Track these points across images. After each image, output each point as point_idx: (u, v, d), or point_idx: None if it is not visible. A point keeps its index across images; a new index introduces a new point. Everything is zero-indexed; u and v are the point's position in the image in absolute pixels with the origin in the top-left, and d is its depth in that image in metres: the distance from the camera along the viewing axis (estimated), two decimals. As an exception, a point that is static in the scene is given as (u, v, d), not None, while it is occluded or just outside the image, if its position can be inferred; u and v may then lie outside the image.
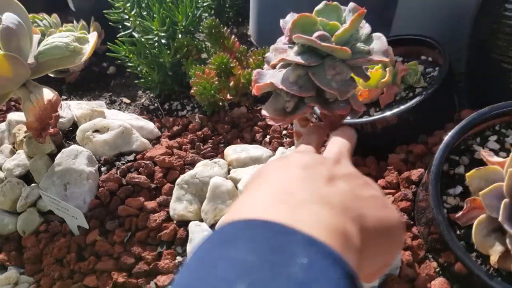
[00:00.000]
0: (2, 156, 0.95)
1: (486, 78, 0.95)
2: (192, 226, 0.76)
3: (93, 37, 0.87)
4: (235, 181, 0.80)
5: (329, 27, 0.60)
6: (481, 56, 0.95)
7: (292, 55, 0.60)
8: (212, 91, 0.95)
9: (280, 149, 0.90)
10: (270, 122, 0.99)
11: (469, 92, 1.04)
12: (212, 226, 0.77)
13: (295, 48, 0.61)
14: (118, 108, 1.21)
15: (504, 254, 0.63)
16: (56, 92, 0.85)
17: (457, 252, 0.65)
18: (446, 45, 0.97)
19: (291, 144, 0.97)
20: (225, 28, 1.14)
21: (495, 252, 0.63)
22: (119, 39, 1.13)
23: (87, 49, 0.84)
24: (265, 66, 0.68)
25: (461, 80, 1.03)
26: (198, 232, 0.75)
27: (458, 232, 0.68)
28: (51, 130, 0.80)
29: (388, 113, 0.89)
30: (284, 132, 1.01)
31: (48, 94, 0.84)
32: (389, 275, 0.69)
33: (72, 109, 1.01)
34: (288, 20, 0.64)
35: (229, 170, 0.85)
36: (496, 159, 0.68)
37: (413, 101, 0.88)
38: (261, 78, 0.67)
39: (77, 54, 0.84)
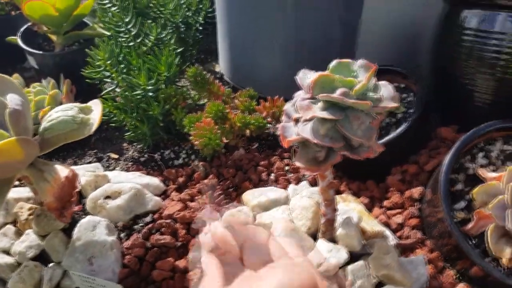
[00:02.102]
0: (7, 239, 0.90)
1: (451, 98, 1.09)
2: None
3: (97, 106, 0.87)
4: (265, 227, 0.84)
5: (346, 83, 0.67)
6: (445, 79, 1.09)
7: (319, 112, 0.67)
8: (218, 140, 0.99)
9: (291, 187, 0.96)
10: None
11: (439, 111, 1.19)
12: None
13: (319, 104, 0.68)
14: (107, 164, 1.19)
15: (514, 256, 0.74)
16: (71, 167, 0.83)
17: (474, 259, 0.76)
18: (414, 73, 1.10)
19: (297, 179, 1.03)
20: (209, 74, 1.18)
21: (506, 254, 0.75)
22: (103, 96, 1.12)
23: (95, 119, 0.84)
24: (285, 118, 0.75)
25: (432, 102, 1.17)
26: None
27: (471, 243, 0.79)
28: (76, 208, 0.79)
29: (382, 140, 0.99)
30: (287, 167, 1.07)
31: (62, 170, 0.82)
32: (420, 289, 0.78)
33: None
34: (303, 78, 0.71)
35: (254, 216, 0.89)
36: (491, 174, 0.80)
37: (402, 127, 0.99)
38: (287, 132, 0.73)
39: (85, 125, 0.84)
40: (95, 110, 0.88)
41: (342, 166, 1.08)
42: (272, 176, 1.05)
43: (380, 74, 1.15)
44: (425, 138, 1.05)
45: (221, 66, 1.50)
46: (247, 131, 1.12)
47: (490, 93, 0.99)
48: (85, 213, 0.95)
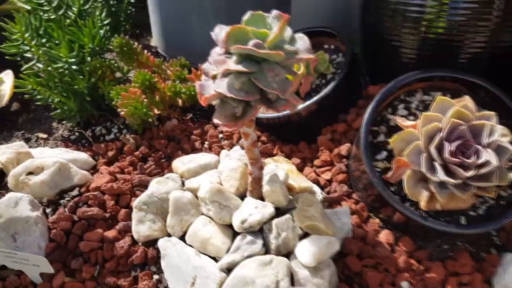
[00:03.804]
0: None
1: (379, 55, 1.11)
2: (162, 242, 0.78)
3: (8, 76, 0.82)
4: (194, 191, 0.83)
5: (260, 35, 0.67)
6: (372, 37, 1.10)
7: (233, 65, 0.66)
8: (145, 109, 0.96)
9: (223, 152, 0.96)
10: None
11: (368, 69, 1.21)
12: (181, 238, 0.80)
13: (234, 57, 0.67)
14: (36, 145, 1.14)
15: (430, 198, 0.78)
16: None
17: (395, 205, 0.78)
18: (345, 33, 1.12)
19: (230, 145, 1.03)
20: (136, 44, 1.14)
21: (423, 198, 0.78)
22: (23, 72, 1.06)
23: (6, 90, 0.80)
24: (203, 77, 0.73)
25: (359, 59, 1.19)
26: (170, 247, 0.77)
27: (392, 189, 0.82)
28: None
29: (309, 101, 1.00)
30: (221, 135, 1.06)
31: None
32: (345, 238, 0.80)
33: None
34: (218, 32, 0.70)
35: (183, 182, 0.88)
36: (408, 123, 0.83)
37: (328, 87, 1.00)
38: (205, 90, 0.72)
39: (-6, 98, 0.79)
40: (6, 81, 0.83)
41: (275, 130, 1.09)
42: (206, 145, 1.04)
43: (312, 36, 1.16)
44: (355, 96, 1.07)
45: (154, 39, 1.46)
46: (179, 101, 1.10)
47: (414, 48, 1.01)
48: (7, 191, 0.91)
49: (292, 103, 0.73)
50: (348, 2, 1.30)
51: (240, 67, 0.66)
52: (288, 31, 0.70)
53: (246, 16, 0.69)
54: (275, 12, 0.70)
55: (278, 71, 0.68)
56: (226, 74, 0.68)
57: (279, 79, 0.68)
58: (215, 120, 0.70)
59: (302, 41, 0.72)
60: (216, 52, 0.71)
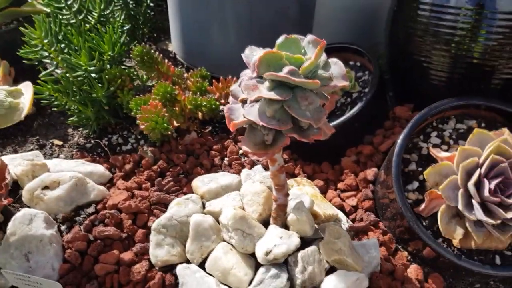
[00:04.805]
0: None
1: (407, 75, 1.07)
2: (181, 269, 0.75)
3: (27, 88, 0.79)
4: (215, 214, 0.80)
5: (294, 60, 0.63)
6: (401, 56, 1.06)
7: (266, 92, 0.62)
8: (165, 124, 0.93)
9: (244, 171, 0.92)
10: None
11: (394, 87, 1.17)
12: (201, 265, 0.76)
13: (266, 83, 0.63)
14: (51, 152, 1.11)
15: (465, 236, 0.74)
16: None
17: (426, 240, 0.75)
18: (367, 47, 1.07)
19: (251, 163, 0.99)
20: (157, 53, 1.10)
21: (457, 235, 0.74)
22: (41, 78, 1.03)
23: (25, 103, 0.77)
24: (231, 99, 0.70)
25: (384, 76, 1.14)
26: (189, 275, 0.74)
27: (424, 223, 0.78)
28: (5, 201, 0.72)
29: (336, 121, 0.96)
30: (241, 151, 1.03)
31: (-12, 161, 0.74)
32: (373, 273, 0.77)
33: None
34: (249, 55, 0.66)
35: (203, 204, 0.85)
36: (443, 154, 0.79)
37: (356, 108, 0.96)
38: (233, 114, 0.68)
39: (14, 111, 0.76)
40: (26, 93, 0.81)
41: (296, 148, 1.05)
42: (226, 161, 1.00)
43: (337, 52, 1.12)
44: (381, 117, 1.03)
45: (174, 45, 1.42)
46: (199, 114, 1.06)
47: (445, 70, 0.97)
48: (21, 205, 0.88)
49: (324, 131, 0.70)
50: (373, 16, 1.26)
51: (273, 95, 0.62)
52: (323, 56, 0.66)
53: (280, 39, 0.65)
54: (310, 36, 0.66)
55: (312, 99, 0.64)
56: (256, 100, 0.65)
57: (312, 108, 0.65)
58: (244, 148, 0.66)
59: (337, 67, 0.69)
60: (247, 76, 0.67)
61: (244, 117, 0.65)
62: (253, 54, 0.67)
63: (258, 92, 0.62)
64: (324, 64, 0.66)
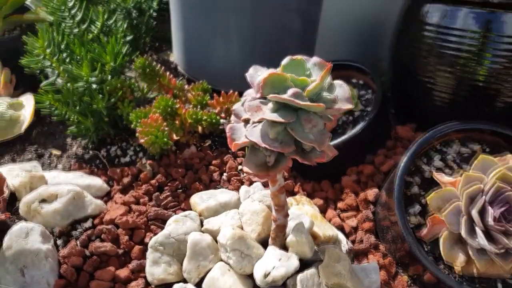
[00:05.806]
0: None
1: (410, 94, 1.06)
2: (177, 288, 0.74)
3: (28, 101, 0.78)
4: (213, 233, 0.79)
5: (299, 83, 0.62)
6: (404, 76, 1.06)
7: (269, 114, 0.61)
8: (165, 138, 0.92)
9: (243, 188, 0.91)
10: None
11: (396, 106, 1.16)
12: (197, 285, 0.75)
13: (270, 104, 0.62)
14: (49, 162, 1.10)
15: (467, 262, 0.73)
16: (-4, 170, 0.74)
17: (427, 265, 0.73)
18: (369, 65, 1.07)
19: (250, 180, 0.98)
20: (159, 65, 1.10)
21: (459, 262, 0.73)
22: (42, 87, 1.02)
23: (26, 115, 0.76)
24: (233, 118, 0.69)
25: (386, 94, 1.14)
26: (185, 295, 0.73)
27: (426, 249, 0.77)
28: (2, 216, 0.70)
29: (338, 140, 0.95)
30: (240, 167, 1.02)
31: (-15, 174, 0.73)
32: (372, 297, 0.75)
33: (4, 175, 0.89)
34: (253, 75, 0.65)
35: (201, 221, 0.83)
36: (446, 179, 0.78)
37: (358, 127, 0.95)
38: (235, 134, 0.67)
39: (15, 123, 0.75)
40: (27, 106, 0.80)
41: (296, 165, 1.04)
42: (224, 176, 0.99)
43: (339, 69, 1.11)
44: (383, 136, 1.02)
45: (175, 56, 1.42)
46: (199, 128, 1.05)
47: (448, 92, 0.97)
48: (18, 217, 0.87)
49: (327, 154, 0.69)
50: (376, 32, 1.26)
51: (276, 117, 0.61)
52: (328, 78, 0.65)
53: (285, 61, 0.65)
54: (315, 58, 0.65)
55: (316, 122, 0.63)
56: (259, 121, 0.64)
57: (316, 131, 0.64)
58: (245, 169, 0.65)
59: (341, 89, 0.68)
60: (251, 96, 0.66)
61: (246, 138, 0.64)
62: (257, 74, 0.67)
63: (261, 113, 0.62)
64: (329, 86, 0.65)
